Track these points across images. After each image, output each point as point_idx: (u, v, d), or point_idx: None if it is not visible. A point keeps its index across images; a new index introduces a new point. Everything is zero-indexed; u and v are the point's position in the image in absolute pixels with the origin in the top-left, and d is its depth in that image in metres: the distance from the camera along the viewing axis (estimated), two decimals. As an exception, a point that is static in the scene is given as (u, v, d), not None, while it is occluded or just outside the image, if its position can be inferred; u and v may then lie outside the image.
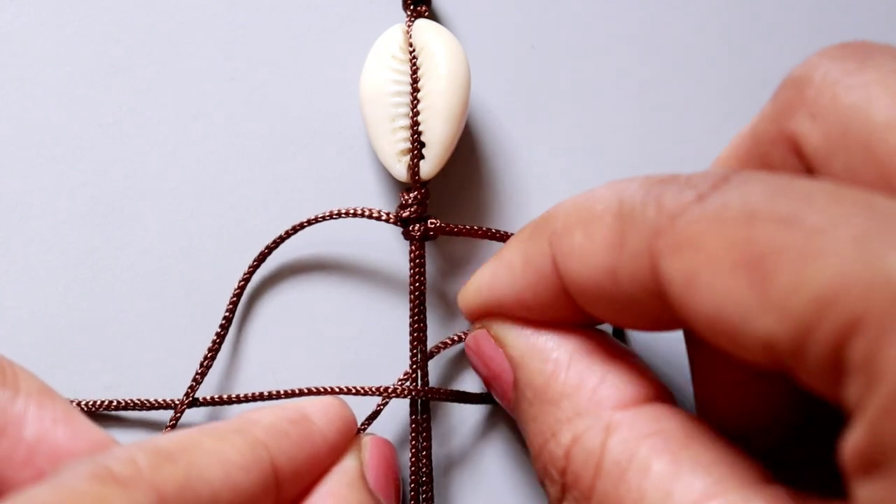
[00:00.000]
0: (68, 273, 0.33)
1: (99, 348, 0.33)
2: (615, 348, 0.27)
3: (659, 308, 0.23)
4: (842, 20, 0.34)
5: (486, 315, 0.29)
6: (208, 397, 0.32)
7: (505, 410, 0.33)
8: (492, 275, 0.29)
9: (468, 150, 0.34)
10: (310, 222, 0.32)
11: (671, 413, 0.24)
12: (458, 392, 0.32)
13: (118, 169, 0.33)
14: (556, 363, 0.26)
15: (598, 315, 0.26)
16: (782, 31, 0.34)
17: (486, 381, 0.30)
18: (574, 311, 0.26)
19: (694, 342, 0.26)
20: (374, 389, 0.32)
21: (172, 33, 0.34)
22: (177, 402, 0.32)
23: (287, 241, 0.33)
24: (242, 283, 0.32)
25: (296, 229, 0.32)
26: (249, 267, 0.32)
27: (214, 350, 0.32)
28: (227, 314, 0.32)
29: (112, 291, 0.33)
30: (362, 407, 0.33)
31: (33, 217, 0.33)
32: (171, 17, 0.34)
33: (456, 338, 0.33)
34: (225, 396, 0.32)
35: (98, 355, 0.33)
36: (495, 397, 0.30)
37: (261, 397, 0.32)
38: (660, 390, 0.26)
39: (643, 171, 0.34)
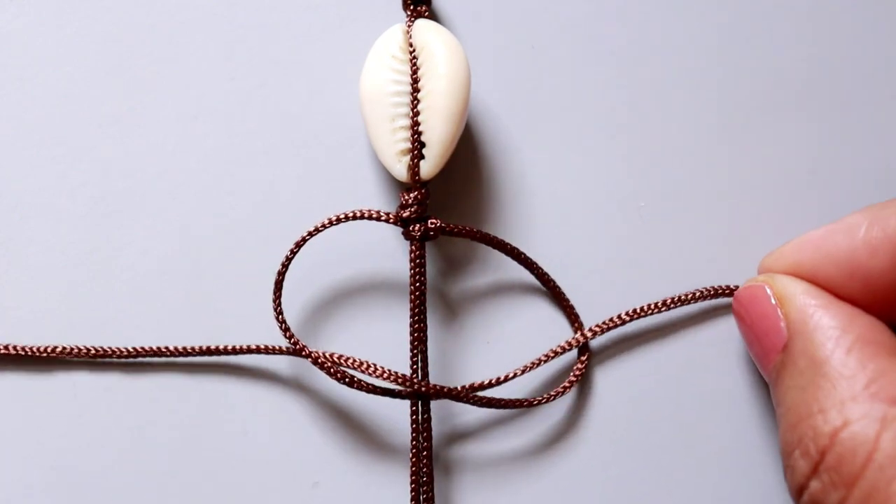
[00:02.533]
0: (68, 273, 0.33)
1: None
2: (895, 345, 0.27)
3: None
4: (842, 20, 0.34)
5: (781, 272, 0.29)
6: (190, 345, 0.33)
7: (502, 412, 0.33)
8: (821, 236, 0.29)
9: (468, 150, 0.34)
10: (311, 234, 0.32)
11: None
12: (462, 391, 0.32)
13: (118, 169, 0.33)
14: (841, 341, 0.26)
15: None
16: (782, 32, 0.34)
17: (749, 339, 0.30)
18: (887, 297, 0.27)
19: None
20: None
21: (172, 33, 0.34)
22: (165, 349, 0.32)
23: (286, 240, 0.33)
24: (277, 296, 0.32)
25: (298, 245, 0.32)
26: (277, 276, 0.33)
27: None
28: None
29: (112, 291, 0.33)
30: (363, 404, 0.33)
31: (33, 217, 0.33)
32: (171, 17, 0.34)
33: (723, 289, 0.32)
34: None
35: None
36: (752, 355, 0.30)
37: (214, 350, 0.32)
38: None
39: (643, 172, 0.34)
